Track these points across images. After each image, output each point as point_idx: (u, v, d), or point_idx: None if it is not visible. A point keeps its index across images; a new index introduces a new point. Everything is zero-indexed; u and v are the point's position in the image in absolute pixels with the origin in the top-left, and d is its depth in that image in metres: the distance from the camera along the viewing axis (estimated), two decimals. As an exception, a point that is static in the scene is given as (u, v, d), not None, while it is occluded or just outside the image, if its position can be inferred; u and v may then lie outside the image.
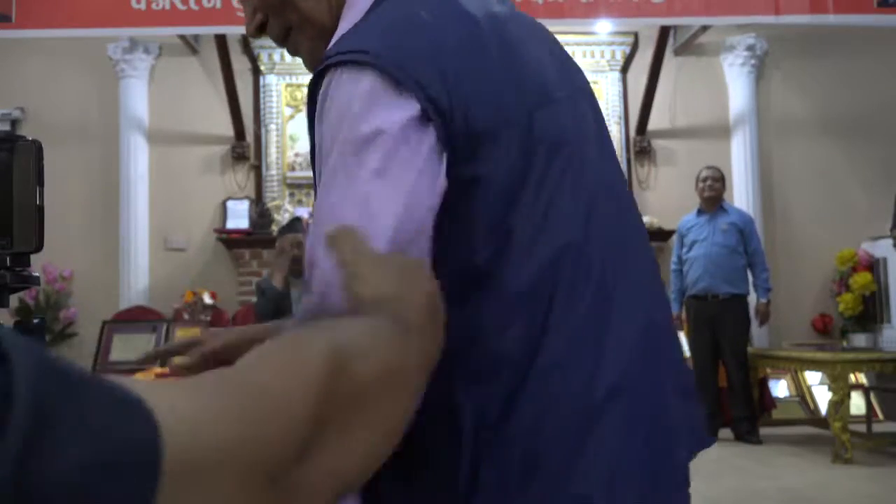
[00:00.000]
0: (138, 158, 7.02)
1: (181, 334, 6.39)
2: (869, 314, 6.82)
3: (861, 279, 6.77)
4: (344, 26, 0.92)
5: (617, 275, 0.90)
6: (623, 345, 0.88)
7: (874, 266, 6.81)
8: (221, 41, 6.61)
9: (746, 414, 5.51)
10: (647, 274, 0.98)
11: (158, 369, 6.12)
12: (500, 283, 0.84)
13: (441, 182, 0.80)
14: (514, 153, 0.84)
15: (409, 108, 0.79)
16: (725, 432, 5.55)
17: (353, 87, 0.79)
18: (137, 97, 7.08)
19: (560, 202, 0.87)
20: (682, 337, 6.26)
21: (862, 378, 6.34)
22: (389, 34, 0.83)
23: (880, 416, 6.36)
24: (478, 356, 0.84)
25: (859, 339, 6.72)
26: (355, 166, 0.78)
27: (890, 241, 5.99)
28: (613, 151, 1.03)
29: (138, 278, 6.91)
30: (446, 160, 0.80)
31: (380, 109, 0.78)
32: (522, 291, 0.84)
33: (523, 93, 0.88)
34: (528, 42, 0.94)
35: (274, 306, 4.30)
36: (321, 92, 0.83)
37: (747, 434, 5.44)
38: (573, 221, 0.88)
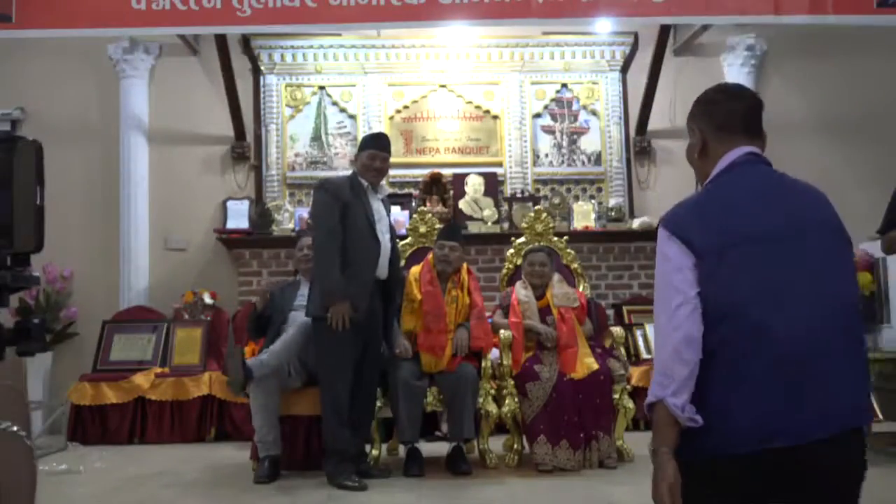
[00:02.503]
0: (138, 158, 7.03)
1: (181, 334, 6.40)
2: (868, 314, 6.81)
3: (860, 279, 6.75)
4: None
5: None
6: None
7: (873, 266, 6.80)
8: (221, 41, 6.61)
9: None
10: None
11: (158, 369, 6.13)
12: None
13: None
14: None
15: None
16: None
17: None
18: (138, 97, 7.09)
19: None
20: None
21: (861, 378, 6.34)
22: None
23: (880, 415, 6.35)
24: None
25: (859, 339, 6.71)
26: None
27: (889, 242, 5.97)
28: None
29: (138, 278, 6.91)
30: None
31: None
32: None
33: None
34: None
35: None
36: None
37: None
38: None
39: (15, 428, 1.00)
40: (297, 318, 4.73)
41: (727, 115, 2.01)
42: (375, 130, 6.71)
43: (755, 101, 2.04)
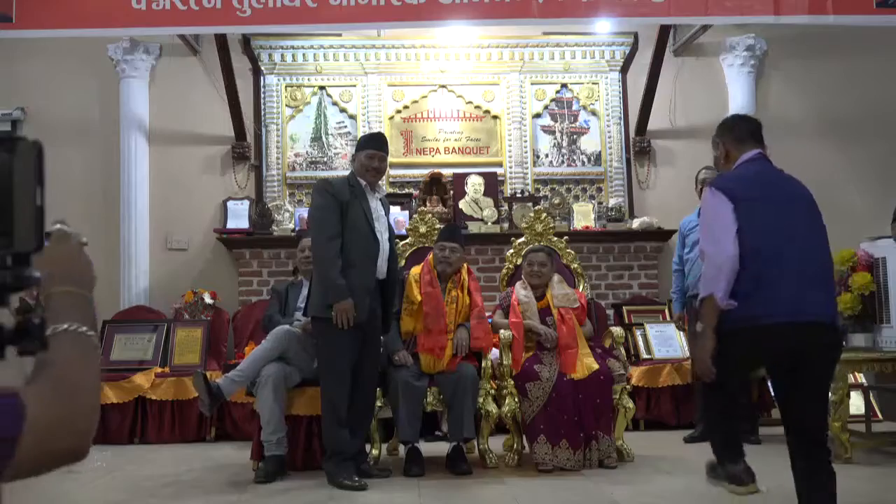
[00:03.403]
0: (139, 158, 7.03)
1: (182, 334, 6.40)
2: (868, 314, 6.81)
3: (860, 279, 6.74)
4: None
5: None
6: None
7: (873, 266, 6.80)
8: (222, 41, 6.62)
9: (746, 414, 5.51)
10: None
11: (159, 369, 6.14)
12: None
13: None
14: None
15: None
16: (725, 432, 5.55)
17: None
18: (138, 97, 7.09)
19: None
20: (683, 337, 6.26)
21: (861, 378, 6.34)
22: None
23: (879, 415, 6.35)
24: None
25: (858, 339, 6.71)
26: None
27: (889, 241, 5.99)
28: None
29: (139, 278, 6.92)
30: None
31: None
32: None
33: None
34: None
35: None
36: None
37: (747, 434, 5.44)
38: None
39: (85, 328, 1.07)
40: (303, 320, 4.78)
41: (742, 131, 3.23)
42: (374, 130, 6.72)
43: (758, 122, 3.32)
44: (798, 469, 3.09)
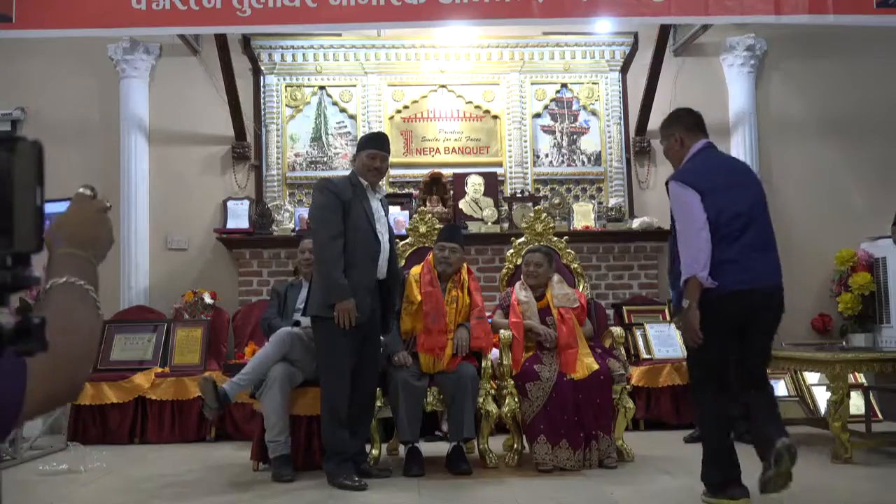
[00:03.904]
0: (139, 158, 7.03)
1: (182, 334, 6.40)
2: (868, 314, 6.82)
3: (860, 279, 6.76)
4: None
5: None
6: None
7: (873, 266, 6.81)
8: (222, 41, 6.62)
9: (746, 413, 5.50)
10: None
11: (159, 369, 6.14)
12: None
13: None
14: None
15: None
16: (725, 432, 5.55)
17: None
18: (138, 97, 7.09)
19: None
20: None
21: (861, 378, 6.34)
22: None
23: (879, 415, 6.35)
24: None
25: (858, 339, 6.72)
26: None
27: (889, 242, 5.99)
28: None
29: (139, 278, 6.92)
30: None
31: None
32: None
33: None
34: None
35: None
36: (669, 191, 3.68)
37: (746, 433, 5.43)
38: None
39: (82, 282, 1.12)
40: (304, 320, 4.77)
41: (690, 122, 3.84)
42: (374, 130, 6.72)
43: (700, 114, 3.93)
44: (745, 403, 3.80)
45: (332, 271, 4.26)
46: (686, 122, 3.81)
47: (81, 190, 1.21)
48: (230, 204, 7.05)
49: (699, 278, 3.46)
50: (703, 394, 3.70)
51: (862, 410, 5.67)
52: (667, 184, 3.76)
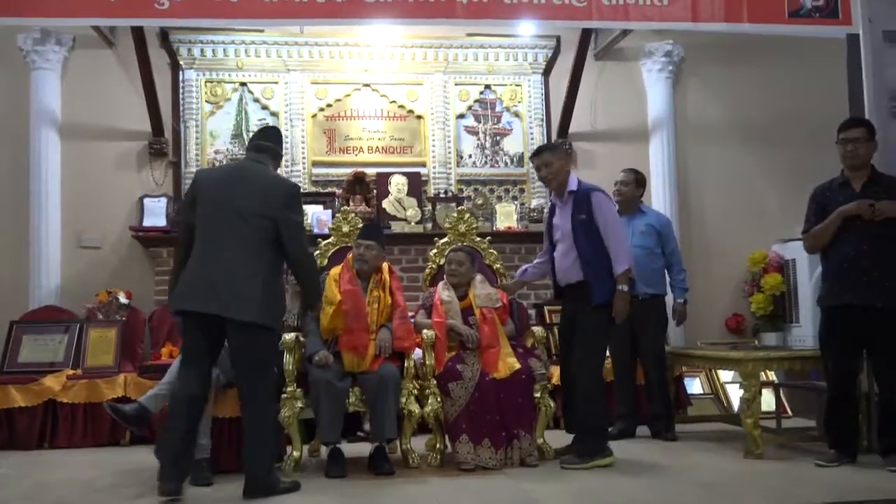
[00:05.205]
0: (50, 153, 6.79)
1: (95, 335, 6.20)
2: (779, 314, 7.04)
3: (772, 280, 6.98)
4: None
5: None
6: None
7: (784, 267, 7.04)
8: (139, 34, 6.45)
9: (663, 412, 5.62)
10: None
11: (70, 371, 5.93)
12: None
13: None
14: None
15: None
16: (643, 429, 5.66)
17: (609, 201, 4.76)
18: (49, 90, 6.85)
19: None
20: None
21: (772, 375, 6.55)
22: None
23: (789, 412, 6.58)
24: None
25: (770, 338, 6.95)
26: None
27: (800, 244, 6.19)
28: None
29: (49, 277, 6.68)
30: None
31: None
32: None
33: None
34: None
35: None
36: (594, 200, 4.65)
37: (664, 431, 5.55)
38: None
39: None
40: None
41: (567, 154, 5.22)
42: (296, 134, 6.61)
43: None
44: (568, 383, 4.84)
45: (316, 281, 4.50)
46: (566, 154, 5.15)
47: None
48: (147, 201, 6.86)
49: (631, 269, 4.59)
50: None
51: (773, 407, 5.85)
52: (589, 193, 4.64)
